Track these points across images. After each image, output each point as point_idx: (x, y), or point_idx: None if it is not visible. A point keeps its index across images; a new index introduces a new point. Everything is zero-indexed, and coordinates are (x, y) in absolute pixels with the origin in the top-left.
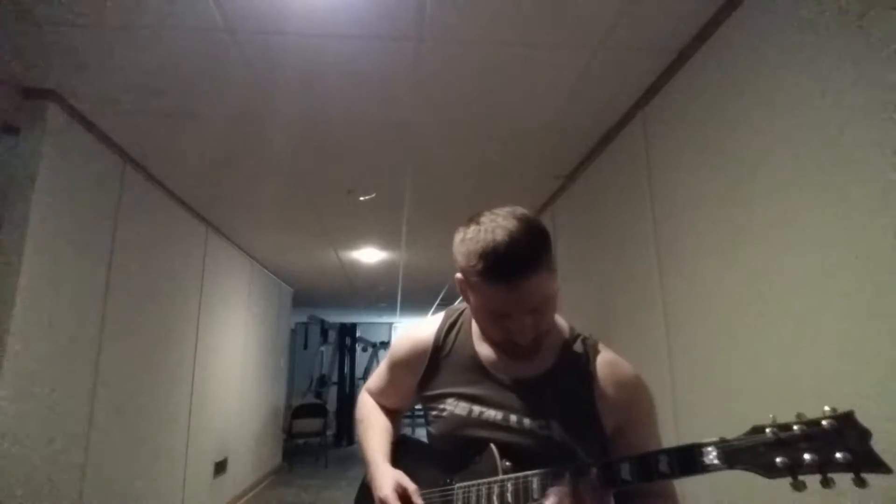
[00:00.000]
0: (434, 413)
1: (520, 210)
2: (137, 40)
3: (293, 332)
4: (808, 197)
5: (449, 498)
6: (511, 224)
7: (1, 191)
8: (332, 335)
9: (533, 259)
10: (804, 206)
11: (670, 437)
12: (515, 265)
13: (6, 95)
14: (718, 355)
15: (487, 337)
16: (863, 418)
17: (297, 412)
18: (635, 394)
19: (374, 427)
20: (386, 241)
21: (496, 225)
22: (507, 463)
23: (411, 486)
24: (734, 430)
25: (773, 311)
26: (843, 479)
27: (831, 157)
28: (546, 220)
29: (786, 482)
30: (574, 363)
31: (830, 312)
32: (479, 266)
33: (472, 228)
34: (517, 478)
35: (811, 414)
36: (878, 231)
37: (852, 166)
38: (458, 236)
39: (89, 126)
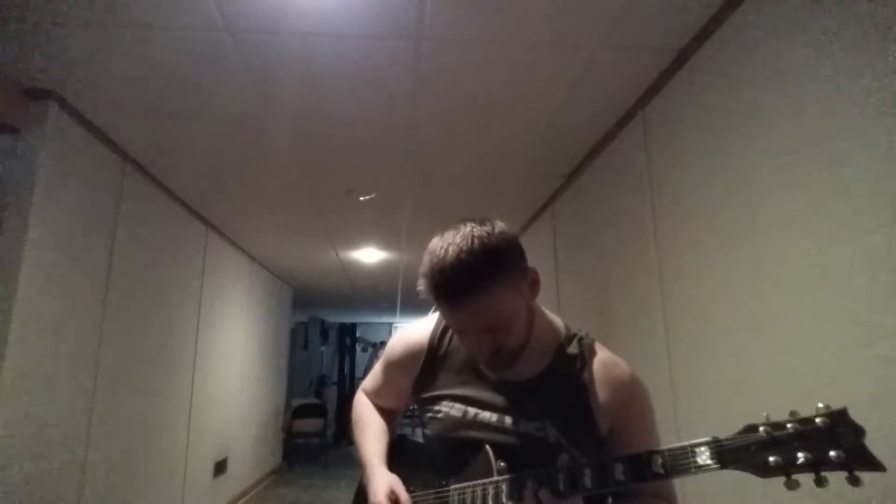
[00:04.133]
0: (429, 414)
1: (482, 228)
2: (138, 40)
3: (293, 332)
4: (808, 197)
5: (444, 499)
6: (463, 243)
7: (1, 191)
8: (332, 335)
9: (474, 282)
10: (804, 205)
11: (671, 437)
12: (454, 286)
13: (6, 95)
14: (718, 355)
15: None
16: (860, 417)
17: (297, 412)
18: (631, 394)
19: (370, 428)
20: (386, 241)
21: (450, 242)
22: (502, 464)
23: (404, 496)
24: (735, 430)
25: (773, 310)
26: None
27: (831, 156)
28: (546, 220)
29: (780, 481)
30: (569, 364)
31: (830, 312)
32: (426, 282)
33: (435, 240)
34: (512, 479)
35: (806, 412)
36: (878, 231)
37: (852, 166)
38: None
39: (89, 126)
